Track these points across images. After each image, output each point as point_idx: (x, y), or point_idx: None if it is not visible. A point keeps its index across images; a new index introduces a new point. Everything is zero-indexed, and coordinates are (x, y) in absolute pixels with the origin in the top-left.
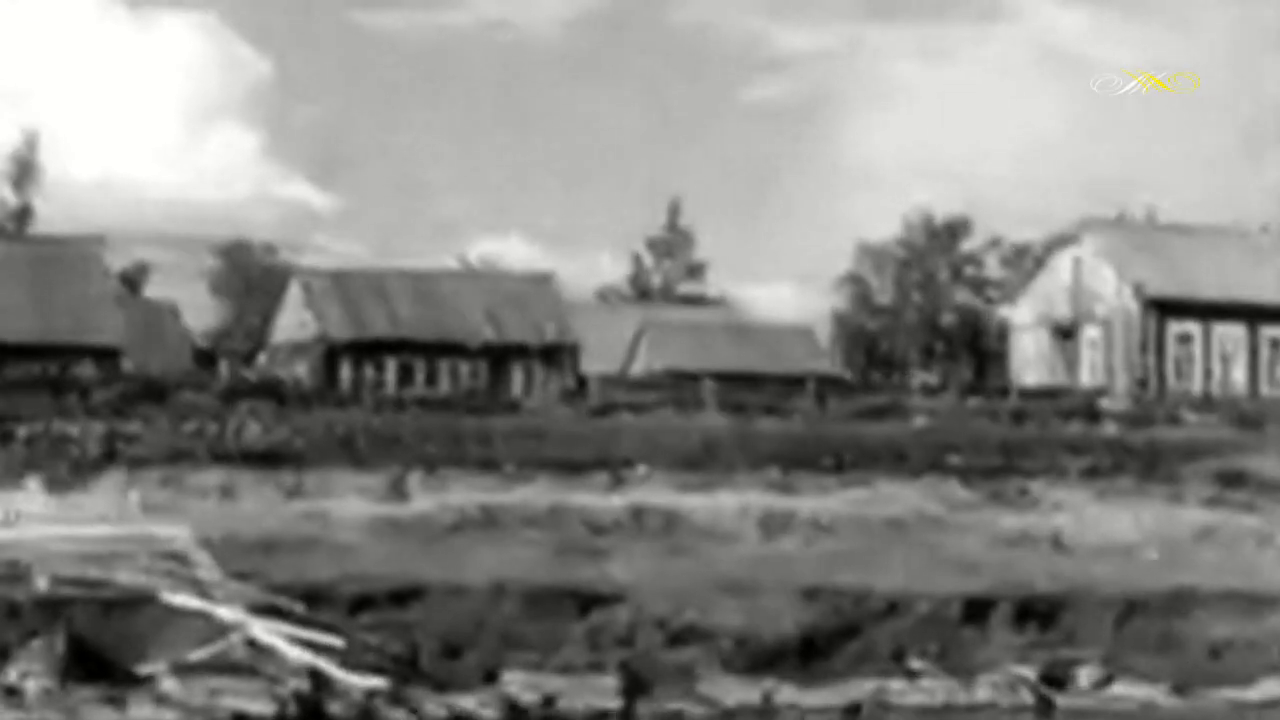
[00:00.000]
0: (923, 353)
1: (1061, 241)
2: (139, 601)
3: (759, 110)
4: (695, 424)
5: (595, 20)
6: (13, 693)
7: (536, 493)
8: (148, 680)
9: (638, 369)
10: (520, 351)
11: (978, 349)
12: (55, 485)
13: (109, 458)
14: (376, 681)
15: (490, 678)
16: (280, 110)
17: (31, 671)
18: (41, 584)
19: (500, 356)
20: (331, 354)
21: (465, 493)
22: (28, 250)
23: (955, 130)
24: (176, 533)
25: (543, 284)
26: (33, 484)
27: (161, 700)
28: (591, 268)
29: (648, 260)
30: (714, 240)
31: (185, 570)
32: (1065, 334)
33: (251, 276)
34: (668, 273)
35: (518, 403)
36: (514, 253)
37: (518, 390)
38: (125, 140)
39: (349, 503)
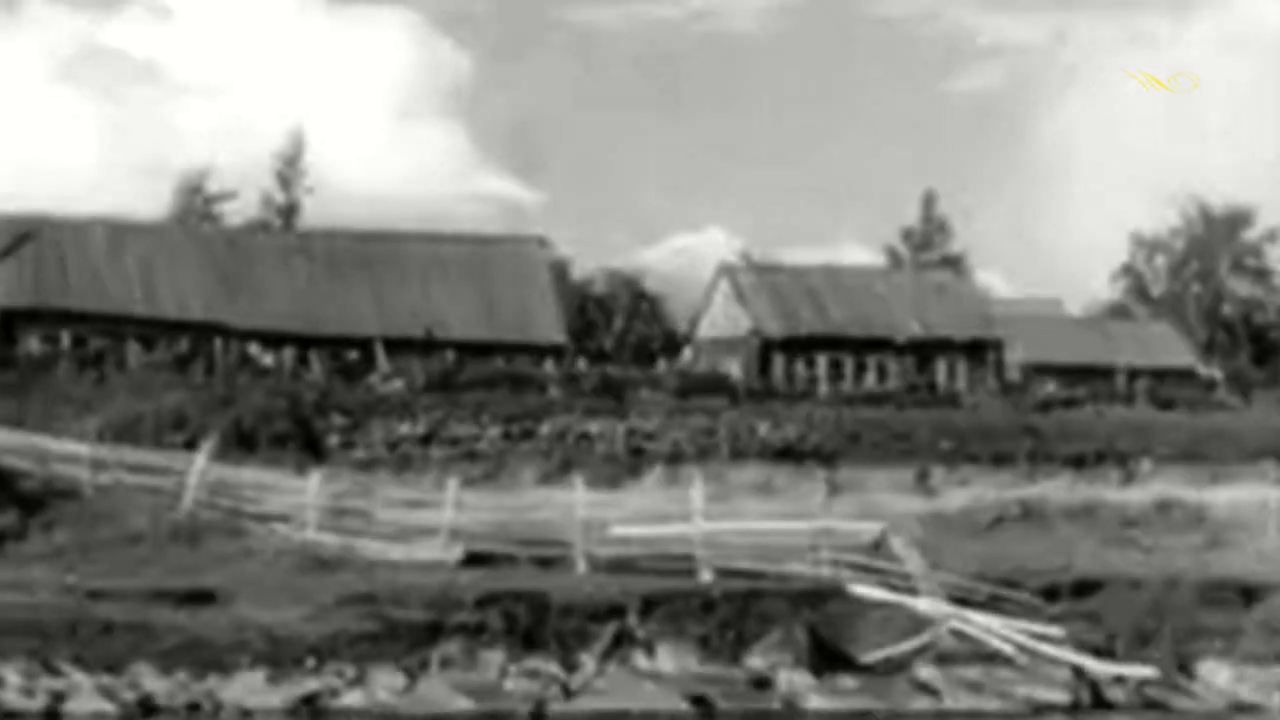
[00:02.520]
0: (1202, 345)
1: None
2: (827, 594)
3: (963, 101)
4: (1158, 418)
5: (801, 11)
6: (763, 684)
7: (1058, 487)
8: (881, 668)
9: None
10: (944, 346)
11: (1261, 341)
12: (600, 482)
13: (636, 454)
14: (1148, 671)
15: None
16: (483, 106)
17: (780, 662)
18: (706, 576)
19: (925, 351)
20: (765, 350)
21: (988, 488)
22: (472, 250)
23: (1162, 119)
24: (868, 527)
25: (962, 278)
26: (696, 483)
27: (977, 688)
28: (791, 260)
29: (903, 252)
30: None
31: (881, 563)
32: None
33: None
34: (923, 264)
35: (958, 397)
36: (714, 246)
37: (943, 385)
38: (329, 139)
39: (886, 497)
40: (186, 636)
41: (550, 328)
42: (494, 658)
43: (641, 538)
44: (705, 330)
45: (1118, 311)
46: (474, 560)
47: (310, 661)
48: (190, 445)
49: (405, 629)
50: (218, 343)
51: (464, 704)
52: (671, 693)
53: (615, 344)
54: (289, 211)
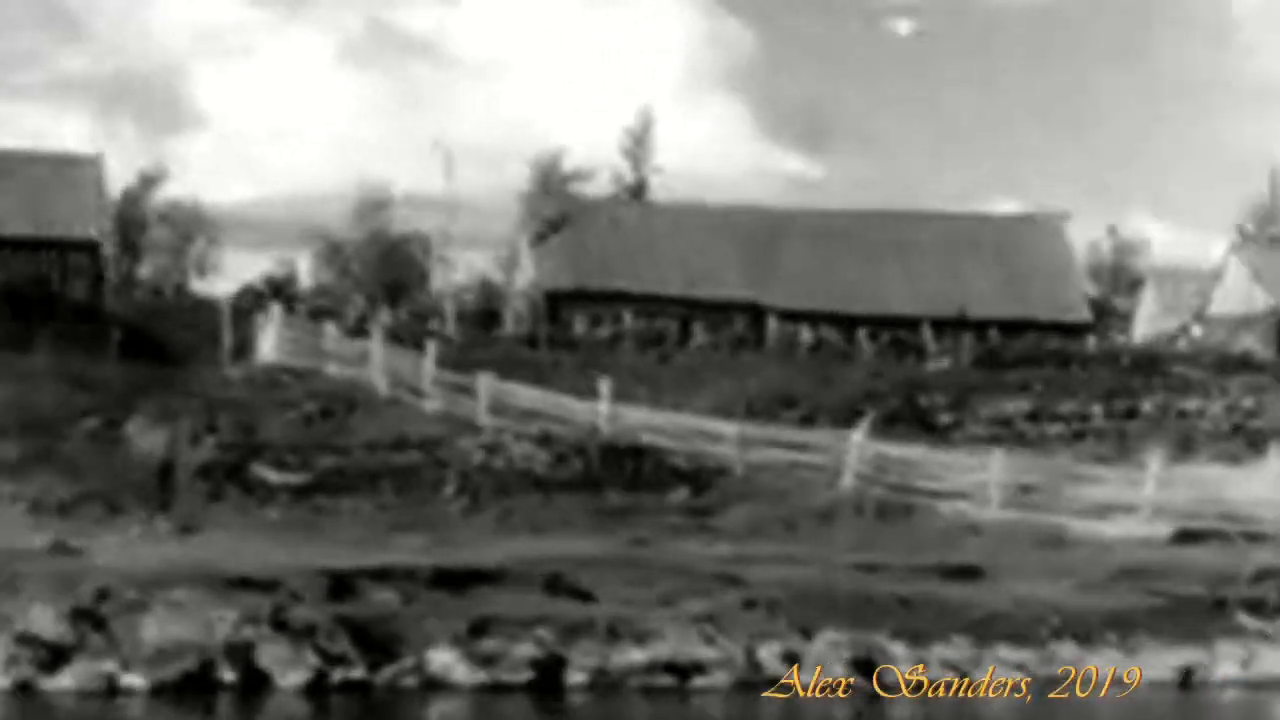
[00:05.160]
0: None
1: None
2: None
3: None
4: None
5: None
6: None
7: None
8: None
9: None
10: None
11: None
12: (1223, 459)
13: (1236, 431)
14: None
15: None
16: (769, 82)
17: None
18: None
19: None
20: None
21: None
22: (998, 228)
23: None
24: None
25: None
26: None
27: None
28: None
29: (1250, 230)
30: (1157, 197)
31: None
32: None
33: None
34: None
35: None
36: None
37: None
38: (617, 117)
39: None
40: (986, 612)
41: (1079, 305)
42: None
43: None
44: (1217, 306)
45: None
46: (1183, 537)
47: (1110, 635)
48: (805, 422)
49: (1189, 604)
50: (770, 322)
51: None
52: None
53: None
54: (638, 190)
